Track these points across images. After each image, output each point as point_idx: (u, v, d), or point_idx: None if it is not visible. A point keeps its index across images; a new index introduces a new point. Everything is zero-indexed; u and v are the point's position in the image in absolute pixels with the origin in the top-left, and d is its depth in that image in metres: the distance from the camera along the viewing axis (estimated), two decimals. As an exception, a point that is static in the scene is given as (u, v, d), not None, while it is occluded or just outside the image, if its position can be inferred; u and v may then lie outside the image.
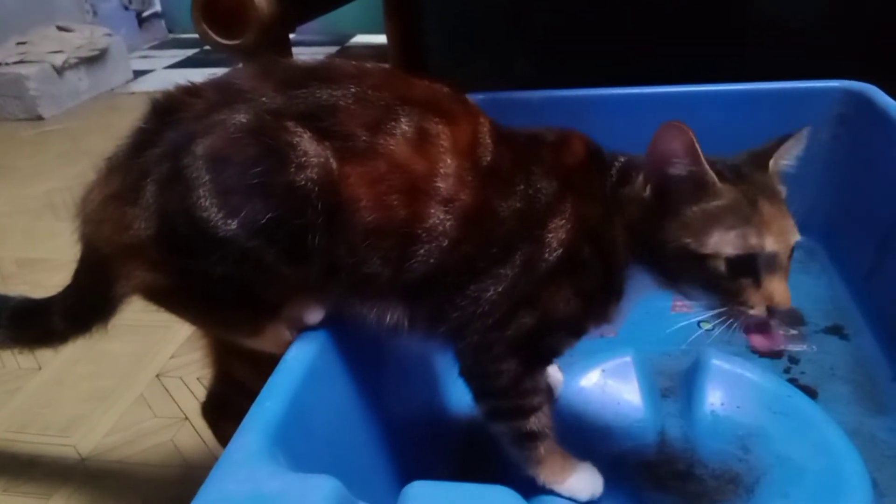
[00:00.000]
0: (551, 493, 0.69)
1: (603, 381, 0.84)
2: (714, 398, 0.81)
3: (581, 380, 0.83)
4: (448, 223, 0.61)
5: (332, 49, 3.10)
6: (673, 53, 1.24)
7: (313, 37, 3.14)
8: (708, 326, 1.03)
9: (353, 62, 0.65)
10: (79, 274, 0.71)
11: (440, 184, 0.61)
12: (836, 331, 1.01)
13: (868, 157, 1.06)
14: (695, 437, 0.79)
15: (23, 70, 2.51)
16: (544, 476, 0.69)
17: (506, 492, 0.45)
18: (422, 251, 0.61)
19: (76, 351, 1.23)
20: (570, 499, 0.69)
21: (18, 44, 2.65)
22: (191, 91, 0.62)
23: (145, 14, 3.50)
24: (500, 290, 0.62)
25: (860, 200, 1.09)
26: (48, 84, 2.57)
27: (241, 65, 0.68)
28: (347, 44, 3.22)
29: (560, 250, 0.63)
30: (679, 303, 1.09)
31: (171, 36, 3.64)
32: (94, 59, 2.76)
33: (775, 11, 1.30)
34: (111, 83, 2.85)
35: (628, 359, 0.85)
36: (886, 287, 0.98)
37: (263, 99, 0.60)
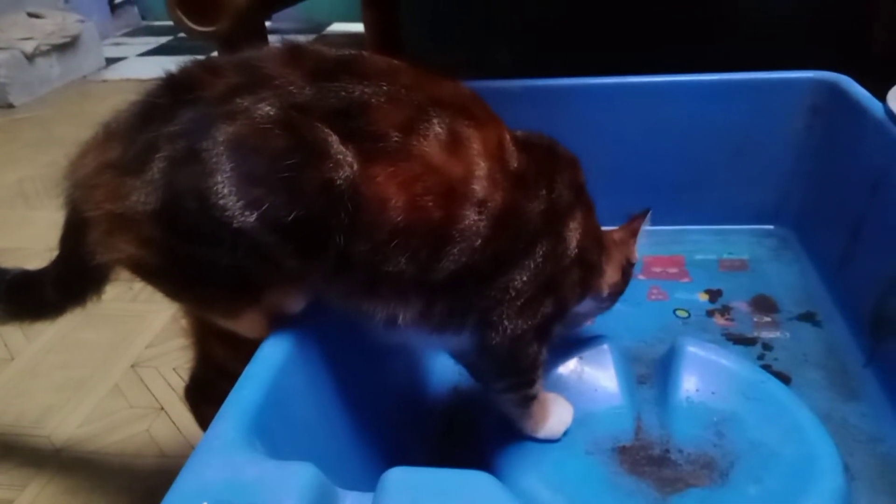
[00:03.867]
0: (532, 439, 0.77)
1: (580, 369, 0.84)
2: (689, 385, 0.82)
3: (559, 367, 0.83)
4: (481, 224, 0.62)
5: (309, 37, 3.08)
6: (650, 43, 1.25)
7: (289, 24, 3.11)
8: (684, 314, 1.05)
9: (382, 56, 0.64)
10: (64, 241, 0.69)
11: (475, 186, 0.61)
12: (808, 318, 1.02)
13: (841, 146, 1.08)
14: (670, 423, 0.79)
15: (-8, 56, 2.47)
16: (530, 426, 0.76)
17: (485, 477, 0.45)
18: (455, 251, 0.61)
19: (49, 340, 1.22)
20: (545, 440, 0.77)
21: (-12, 30, 2.60)
22: (210, 69, 0.60)
23: (118, 0, 3.45)
24: (525, 278, 0.66)
25: (832, 189, 1.10)
26: (18, 71, 2.52)
27: (262, 46, 0.65)
28: (324, 32, 3.20)
29: (576, 249, 0.70)
30: (655, 290, 1.10)
31: (145, 23, 3.59)
32: (66, 46, 2.71)
33: (750, 2, 1.31)
34: (83, 70, 2.81)
35: (605, 346, 0.86)
36: (858, 275, 1.00)
37: (291, 88, 0.58)
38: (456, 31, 1.42)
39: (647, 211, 0.84)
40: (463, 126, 0.62)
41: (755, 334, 1.00)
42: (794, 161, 1.16)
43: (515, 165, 0.65)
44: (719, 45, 1.25)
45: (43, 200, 1.76)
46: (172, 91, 0.59)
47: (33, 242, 1.47)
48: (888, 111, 0.94)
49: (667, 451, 0.76)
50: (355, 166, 0.57)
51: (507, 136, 0.67)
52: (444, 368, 0.94)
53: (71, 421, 1.05)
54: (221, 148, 0.55)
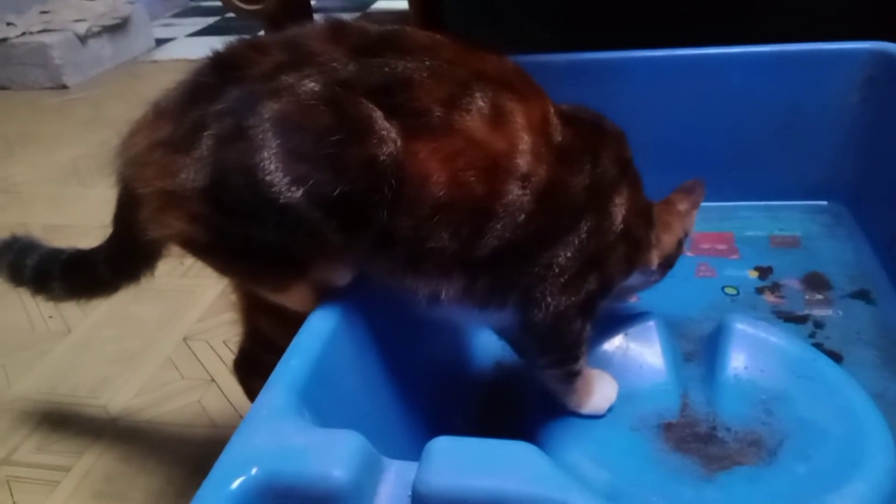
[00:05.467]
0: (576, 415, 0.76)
1: (626, 345, 0.83)
2: (737, 362, 0.81)
3: (604, 343, 0.83)
4: (525, 199, 0.62)
5: (354, 15, 3.08)
6: (694, 15, 1.22)
7: (334, 2, 3.12)
8: (732, 291, 1.03)
9: (425, 32, 0.64)
10: (116, 219, 0.71)
11: (519, 160, 0.61)
12: (862, 295, 1.00)
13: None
14: (717, 401, 0.78)
15: (46, 39, 2.52)
16: (574, 402, 0.76)
17: (529, 447, 0.45)
18: (498, 226, 0.61)
19: (104, 314, 1.26)
20: (589, 416, 0.76)
21: (41, 13, 2.66)
22: (256, 47, 0.60)
23: (167, -19, 3.50)
24: (569, 255, 0.66)
25: (887, 164, 1.07)
26: (72, 52, 2.58)
27: (306, 24, 0.65)
28: (369, 10, 3.20)
29: (622, 225, 0.69)
30: (703, 267, 1.09)
31: (193, 4, 3.63)
32: (117, 28, 2.76)
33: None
34: (133, 51, 2.86)
35: (651, 323, 0.85)
36: (914, 252, 0.97)
37: (335, 64, 0.58)
38: (494, 6, 1.40)
39: (702, 181, 0.82)
40: (506, 100, 0.62)
41: (806, 312, 0.98)
42: (846, 135, 1.13)
43: (560, 139, 0.65)
44: (768, 15, 1.21)
45: (96, 178, 1.80)
46: (219, 70, 0.60)
47: (87, 219, 1.51)
48: (949, 82, 0.91)
49: (713, 428, 0.76)
50: (399, 142, 0.57)
51: (552, 110, 0.66)
52: (487, 343, 0.94)
53: (125, 392, 1.09)
54: (267, 125, 0.55)
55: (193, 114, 0.58)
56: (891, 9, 1.13)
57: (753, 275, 1.07)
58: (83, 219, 1.56)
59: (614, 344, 0.84)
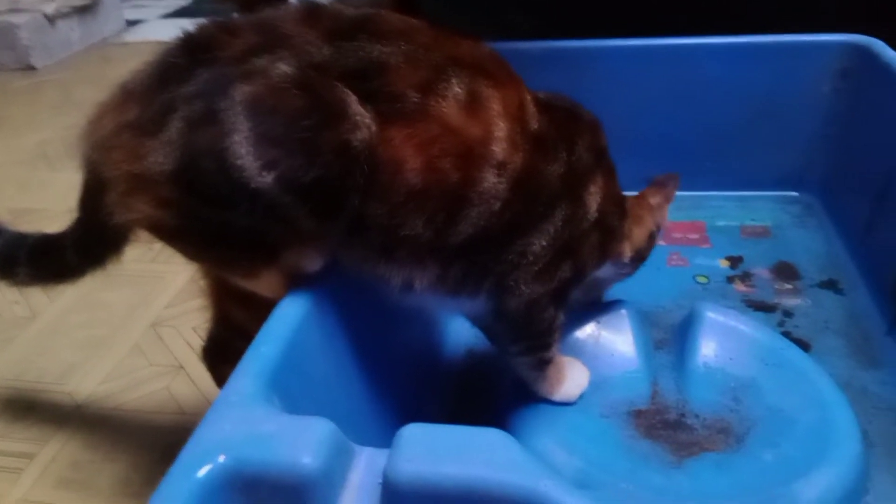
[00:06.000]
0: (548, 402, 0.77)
1: (597, 333, 0.84)
2: (707, 350, 0.82)
3: (576, 331, 0.83)
4: (500, 186, 0.61)
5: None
6: (671, 4, 1.22)
7: (309, -13, 3.08)
8: (703, 280, 1.04)
9: (400, 16, 0.63)
10: (83, 203, 0.69)
11: (495, 147, 0.61)
12: (830, 285, 1.01)
13: (868, 111, 1.05)
14: (687, 388, 0.79)
15: (14, 19, 2.47)
16: (546, 389, 0.76)
17: (500, 434, 0.45)
18: (473, 214, 0.61)
19: (70, 300, 1.24)
20: (561, 403, 0.77)
21: (8, -9, 2.60)
22: (228, 29, 0.59)
23: (137, -38, 3.43)
24: (543, 243, 0.65)
25: (859, 155, 1.08)
26: (40, 33, 2.52)
27: (279, 6, 0.64)
28: (344, -5, 3.17)
29: (596, 214, 0.69)
30: (675, 256, 1.09)
31: (164, -15, 3.57)
32: (86, 9, 2.70)
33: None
34: (103, 33, 2.80)
35: (623, 311, 0.85)
36: (882, 242, 0.98)
37: (309, 48, 0.57)
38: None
39: (677, 175, 0.83)
40: (482, 86, 0.61)
41: (775, 301, 0.99)
42: (819, 126, 1.14)
43: (536, 127, 0.64)
44: (745, 6, 1.21)
45: (64, 162, 1.77)
46: (190, 51, 0.59)
47: (54, 204, 1.48)
48: (919, 75, 0.92)
49: (683, 415, 0.76)
50: (373, 128, 0.56)
51: (528, 97, 0.66)
52: (459, 330, 0.94)
53: (92, 378, 1.07)
54: (239, 108, 0.54)
55: (163, 96, 0.57)
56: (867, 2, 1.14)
57: (724, 264, 1.07)
58: (50, 203, 1.53)
59: (586, 332, 0.84)
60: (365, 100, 0.57)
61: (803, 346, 0.89)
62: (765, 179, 1.21)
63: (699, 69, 1.13)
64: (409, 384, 0.82)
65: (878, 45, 1.05)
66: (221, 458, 0.44)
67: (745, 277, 1.04)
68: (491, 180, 0.61)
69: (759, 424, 0.74)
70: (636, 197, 0.80)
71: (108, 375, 1.07)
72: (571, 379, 0.77)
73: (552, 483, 0.42)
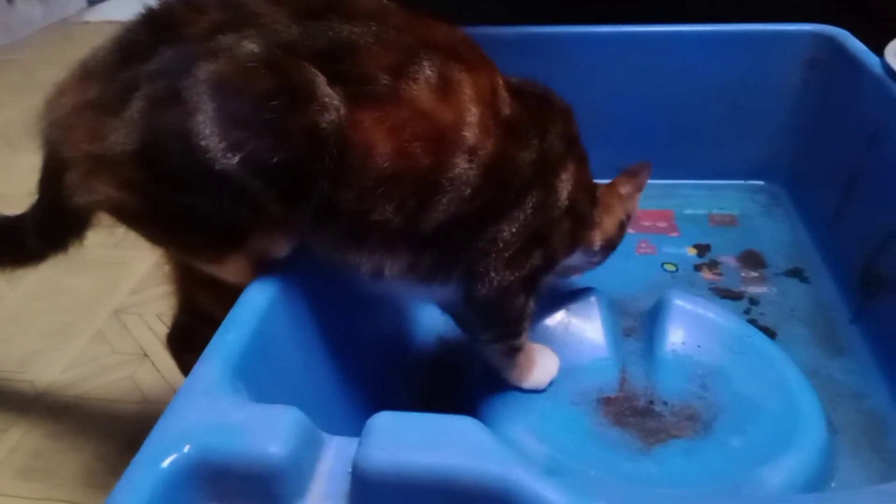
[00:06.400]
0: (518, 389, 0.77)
1: (567, 321, 0.84)
2: (675, 338, 0.82)
3: (546, 318, 0.83)
4: (472, 172, 0.60)
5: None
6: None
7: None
8: (671, 268, 1.05)
9: None
10: (43, 185, 0.67)
11: (466, 133, 0.60)
12: (796, 273, 1.02)
13: (836, 102, 1.06)
14: (655, 376, 0.80)
15: (-29, -4, 2.40)
16: (516, 376, 0.76)
17: (471, 422, 0.45)
18: (444, 200, 0.60)
19: (32, 286, 1.21)
20: (531, 390, 0.77)
21: (-35, -32, 2.52)
22: (192, 5, 0.57)
23: (101, -60, 3.35)
24: (514, 230, 0.65)
25: (826, 146, 1.10)
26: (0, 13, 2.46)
27: None
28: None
29: (567, 201, 0.69)
30: (644, 244, 1.10)
31: (129, -36, 3.50)
32: (47, -13, 2.64)
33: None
34: (65, 12, 2.73)
35: (592, 299, 0.85)
36: (848, 232, 0.99)
37: (277, 27, 0.55)
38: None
39: (649, 164, 0.83)
40: (455, 70, 0.60)
41: (742, 289, 1.00)
42: (788, 116, 1.15)
43: (508, 113, 0.64)
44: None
45: (25, 144, 1.72)
46: (153, 28, 0.57)
47: (14, 188, 1.43)
48: (886, 66, 0.93)
49: (651, 402, 0.77)
50: (342, 110, 0.55)
51: (501, 82, 0.65)
52: (430, 317, 0.94)
53: (54, 366, 1.05)
54: (203, 87, 0.53)
55: (124, 74, 0.55)
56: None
57: (692, 252, 1.08)
58: (10, 187, 1.48)
59: (556, 319, 0.84)
60: (334, 81, 0.56)
61: (769, 333, 0.91)
62: (733, 169, 1.22)
63: (670, 57, 1.14)
64: (380, 372, 0.81)
65: (844, 36, 1.06)
66: (187, 448, 0.43)
67: (713, 265, 1.05)
68: (462, 166, 0.60)
69: (726, 411, 0.75)
70: (607, 186, 0.80)
71: (70, 363, 1.05)
72: (541, 366, 0.77)
73: (523, 471, 0.42)
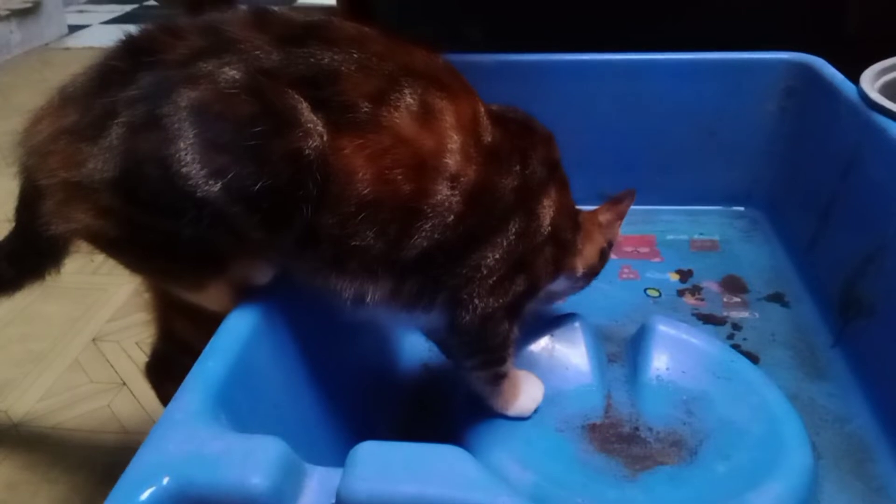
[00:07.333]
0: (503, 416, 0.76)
1: (551, 347, 0.84)
2: (659, 363, 0.82)
3: (530, 345, 0.83)
4: (454, 199, 0.60)
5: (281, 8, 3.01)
6: (623, 21, 1.24)
7: (259, -4, 3.05)
8: (654, 293, 1.05)
9: (352, 23, 0.62)
10: (19, 212, 0.66)
11: (448, 160, 0.60)
12: (777, 298, 1.03)
13: (813, 128, 1.08)
14: (640, 402, 0.79)
15: (-51, 21, 2.39)
16: (501, 404, 0.75)
17: (456, 450, 0.44)
18: (427, 226, 0.60)
19: (8, 313, 1.19)
20: (516, 417, 0.76)
21: (-56, -7, 2.51)
22: (172, 31, 0.57)
23: (82, -33, 3.36)
24: (497, 256, 0.65)
25: (804, 172, 1.11)
26: (-24, 37, 2.45)
27: (227, 10, 0.62)
28: (295, 3, 3.15)
29: (549, 227, 0.69)
30: (626, 269, 1.10)
31: (110, -10, 3.50)
32: (27, 12, 2.63)
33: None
34: (45, 38, 2.73)
35: (576, 325, 0.85)
36: (827, 256, 1.00)
37: (258, 53, 0.55)
38: (428, 4, 1.39)
39: (633, 192, 0.83)
40: (436, 97, 0.60)
41: (724, 314, 1.00)
42: (766, 143, 1.16)
43: (489, 140, 0.64)
44: (693, 23, 1.24)
45: (2, 169, 1.71)
46: (132, 54, 0.57)
47: (-9, 213, 1.43)
48: (861, 93, 0.94)
49: (636, 428, 0.76)
50: (325, 136, 0.55)
51: (482, 109, 0.65)
52: (414, 344, 0.93)
53: (30, 395, 1.03)
54: (184, 113, 0.53)
55: (103, 100, 0.55)
56: (812, 22, 1.18)
57: (675, 277, 1.09)
58: (-14, 212, 1.48)
59: (540, 345, 0.84)
60: (316, 108, 0.56)
61: (752, 358, 0.91)
62: (713, 195, 1.23)
63: (649, 85, 1.15)
64: (363, 400, 0.80)
65: (820, 64, 1.08)
66: (165, 480, 0.42)
67: (695, 291, 1.05)
68: (444, 193, 0.60)
69: (711, 437, 0.74)
70: (588, 213, 0.81)
71: (46, 392, 1.03)
72: (526, 393, 0.76)
73: (509, 500, 0.41)
